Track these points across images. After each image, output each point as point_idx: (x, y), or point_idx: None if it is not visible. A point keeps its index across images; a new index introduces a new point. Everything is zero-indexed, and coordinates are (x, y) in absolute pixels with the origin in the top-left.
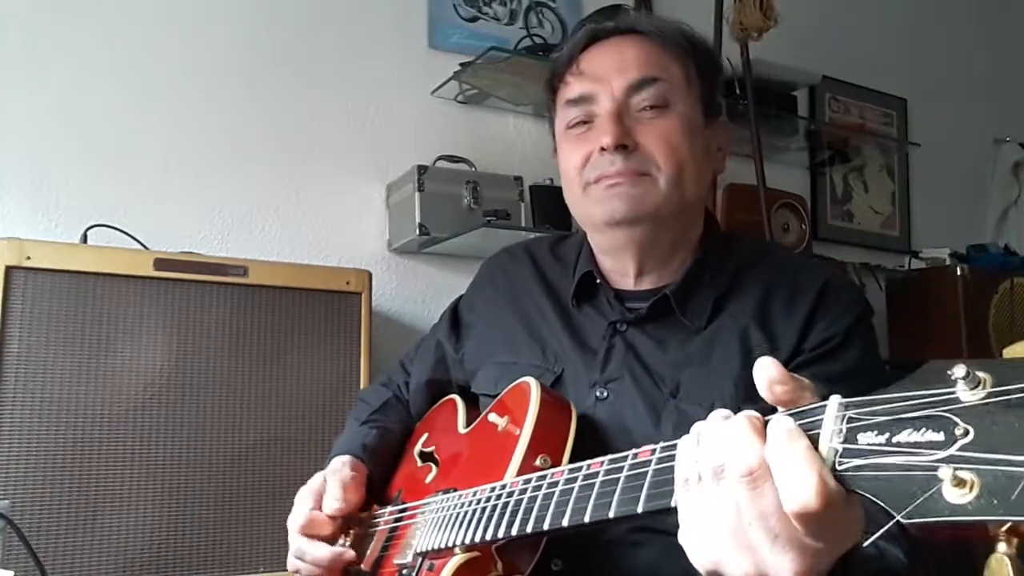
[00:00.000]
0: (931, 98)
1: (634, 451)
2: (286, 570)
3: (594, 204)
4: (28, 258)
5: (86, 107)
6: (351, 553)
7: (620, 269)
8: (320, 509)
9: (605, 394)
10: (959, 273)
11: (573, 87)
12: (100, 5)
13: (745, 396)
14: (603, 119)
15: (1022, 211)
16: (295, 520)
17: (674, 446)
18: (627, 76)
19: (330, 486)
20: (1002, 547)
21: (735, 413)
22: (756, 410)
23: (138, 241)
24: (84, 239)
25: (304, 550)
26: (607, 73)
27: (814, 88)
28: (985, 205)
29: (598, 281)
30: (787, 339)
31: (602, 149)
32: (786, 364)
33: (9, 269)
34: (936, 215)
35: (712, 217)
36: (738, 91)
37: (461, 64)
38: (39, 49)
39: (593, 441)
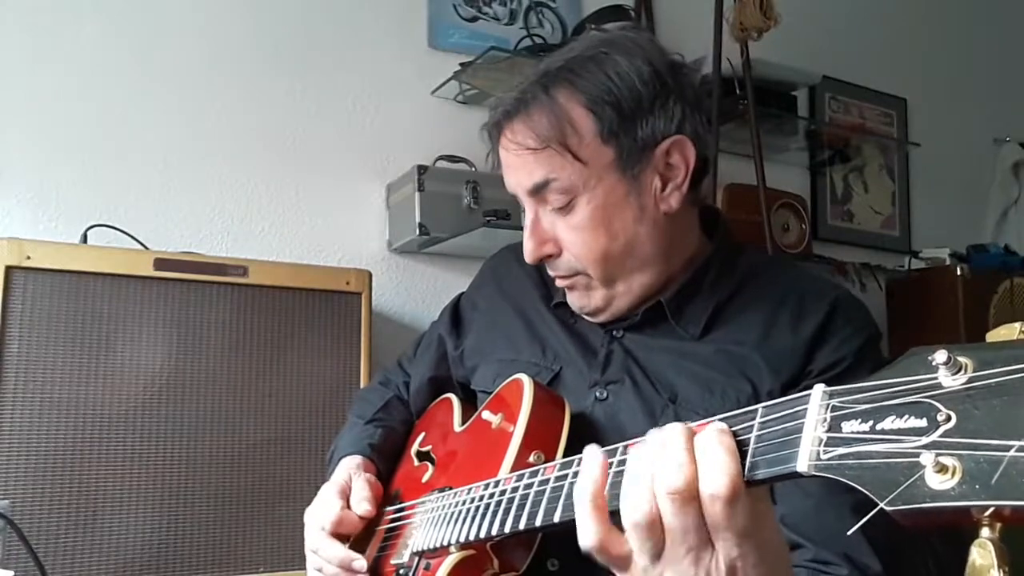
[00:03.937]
0: (931, 98)
1: (623, 444)
2: (286, 570)
3: None
4: (28, 258)
5: (86, 107)
6: (362, 562)
7: None
8: (349, 507)
9: (605, 395)
10: (959, 273)
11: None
12: (100, 5)
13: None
14: (525, 227)
15: (1022, 211)
16: (324, 516)
17: None
18: (523, 185)
19: (358, 486)
20: (985, 532)
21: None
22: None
23: (138, 241)
24: (84, 239)
25: (319, 546)
26: (510, 182)
27: (814, 88)
28: (985, 205)
29: None
30: (791, 359)
31: None
32: (789, 385)
33: (9, 269)
34: (936, 215)
35: (722, 224)
36: (738, 91)
37: (461, 64)
38: (39, 49)
39: (588, 440)
